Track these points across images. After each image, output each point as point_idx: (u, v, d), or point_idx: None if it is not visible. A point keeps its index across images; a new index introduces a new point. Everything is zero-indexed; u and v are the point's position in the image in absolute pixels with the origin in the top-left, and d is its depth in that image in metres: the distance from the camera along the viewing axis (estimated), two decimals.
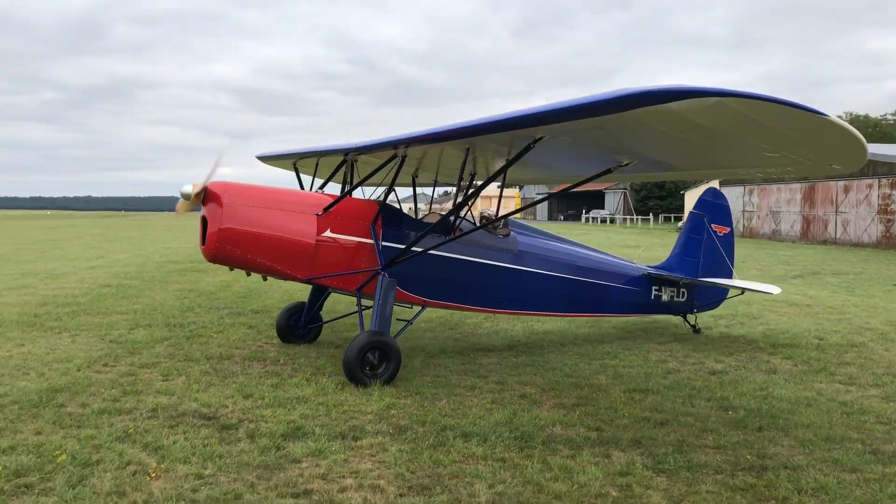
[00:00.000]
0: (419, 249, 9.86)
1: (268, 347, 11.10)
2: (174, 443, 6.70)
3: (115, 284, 18.61)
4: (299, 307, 11.64)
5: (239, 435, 7.02)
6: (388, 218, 10.25)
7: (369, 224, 10.00)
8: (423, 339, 11.96)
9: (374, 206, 10.28)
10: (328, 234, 9.81)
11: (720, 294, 13.32)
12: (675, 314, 13.12)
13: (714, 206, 13.40)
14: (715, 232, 13.19)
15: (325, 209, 9.86)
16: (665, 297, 12.60)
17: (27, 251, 31.14)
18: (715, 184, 51.17)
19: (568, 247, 12.01)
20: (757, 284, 13.11)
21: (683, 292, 12.75)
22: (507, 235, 11.15)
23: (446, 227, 10.38)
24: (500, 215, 10.76)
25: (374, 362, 9.04)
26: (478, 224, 11.03)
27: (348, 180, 11.11)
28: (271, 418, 7.50)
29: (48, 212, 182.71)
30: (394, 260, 9.74)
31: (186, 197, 9.39)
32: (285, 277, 9.94)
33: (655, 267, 13.09)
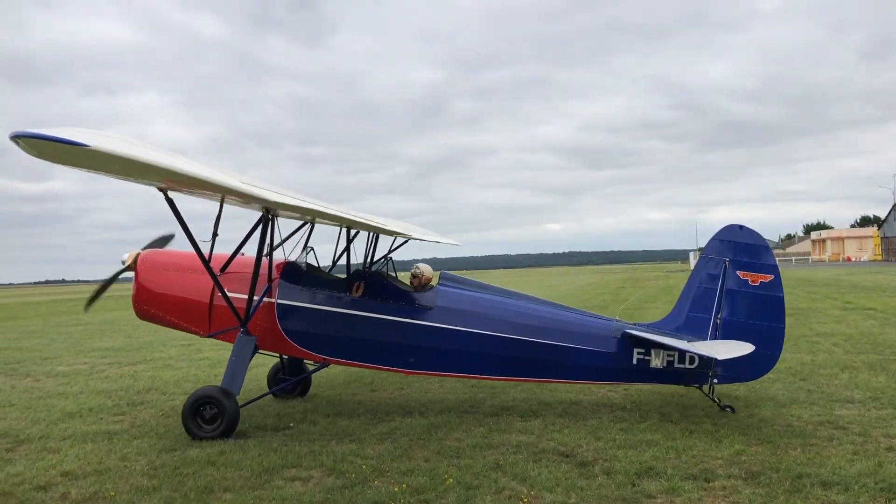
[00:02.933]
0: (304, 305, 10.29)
1: (613, 395, 11.64)
2: (539, 474, 7.51)
3: None
4: (281, 364, 12.19)
5: (595, 471, 7.63)
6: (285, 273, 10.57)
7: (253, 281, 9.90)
8: (773, 389, 11.62)
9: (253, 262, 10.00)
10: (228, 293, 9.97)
11: (762, 361, 10.00)
12: (681, 384, 10.48)
13: (741, 248, 10.31)
14: (745, 281, 10.23)
15: (222, 269, 10.18)
16: (657, 363, 10.03)
17: None
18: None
19: (512, 301, 10.72)
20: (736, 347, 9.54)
21: (693, 358, 9.92)
22: (427, 289, 10.61)
23: (348, 284, 10.58)
24: None
25: (207, 417, 9.22)
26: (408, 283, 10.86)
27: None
28: (623, 458, 8.01)
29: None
30: (247, 316, 9.84)
31: (123, 263, 10.85)
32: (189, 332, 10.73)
33: (644, 325, 10.79)
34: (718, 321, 10.15)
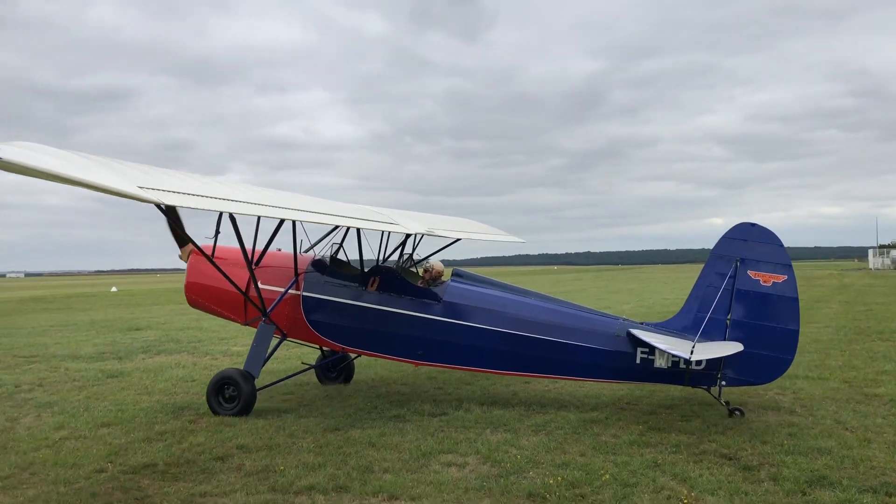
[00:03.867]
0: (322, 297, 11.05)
1: (780, 398, 11.02)
2: (700, 476, 7.24)
3: None
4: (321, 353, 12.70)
5: (761, 476, 7.26)
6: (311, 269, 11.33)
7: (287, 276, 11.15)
8: None
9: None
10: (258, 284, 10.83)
11: (774, 365, 9.63)
12: (688, 386, 10.08)
13: (754, 247, 9.78)
14: (756, 281, 9.65)
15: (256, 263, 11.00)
16: (661, 363, 9.79)
17: None
18: None
19: (519, 298, 10.86)
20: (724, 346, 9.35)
21: (700, 359, 9.21)
22: (437, 284, 11.02)
23: (364, 278, 11.12)
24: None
25: (227, 396, 10.22)
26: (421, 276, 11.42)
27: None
28: (792, 464, 7.57)
29: (555, 267, 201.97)
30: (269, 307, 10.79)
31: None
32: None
33: (652, 325, 10.41)
34: (728, 322, 9.77)
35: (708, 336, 9.68)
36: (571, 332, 10.27)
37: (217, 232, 10.54)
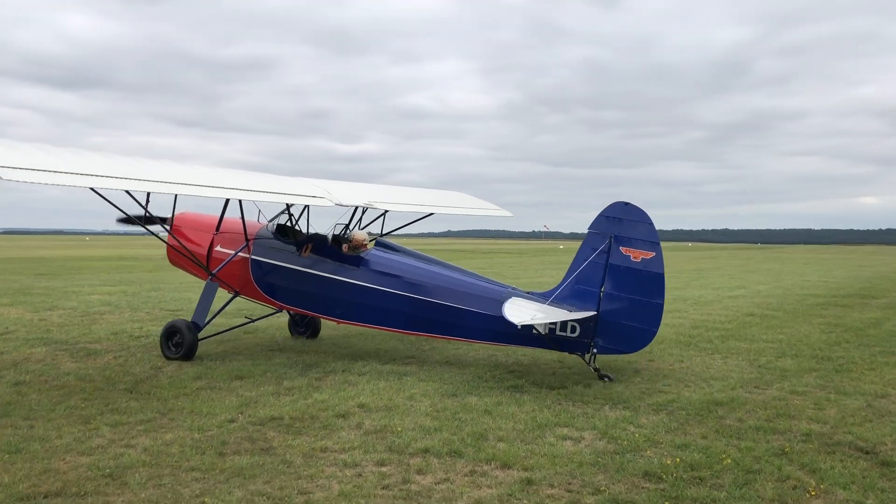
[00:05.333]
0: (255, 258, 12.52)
1: None
2: (831, 468, 6.84)
3: (757, 314, 19.28)
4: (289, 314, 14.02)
5: None
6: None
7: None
8: None
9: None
10: (217, 248, 12.76)
11: (640, 336, 10.26)
12: (564, 351, 10.84)
13: (626, 224, 10.33)
14: (627, 257, 10.18)
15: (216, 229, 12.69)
16: (540, 329, 10.38)
17: (675, 279, 34.19)
18: None
19: (427, 267, 11.86)
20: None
21: (574, 326, 10.30)
22: (359, 252, 12.07)
23: (299, 246, 12.31)
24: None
25: (174, 343, 11.63)
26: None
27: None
28: None
29: (689, 244, 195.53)
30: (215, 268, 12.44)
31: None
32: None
33: (538, 294, 10.96)
34: (602, 294, 10.29)
35: (584, 307, 10.34)
36: (463, 297, 11.11)
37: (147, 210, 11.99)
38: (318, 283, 12.08)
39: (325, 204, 11.55)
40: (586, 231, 10.60)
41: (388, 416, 8.39)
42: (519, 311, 10.06)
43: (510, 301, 10.57)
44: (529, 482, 6.42)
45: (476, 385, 10.10)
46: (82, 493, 5.97)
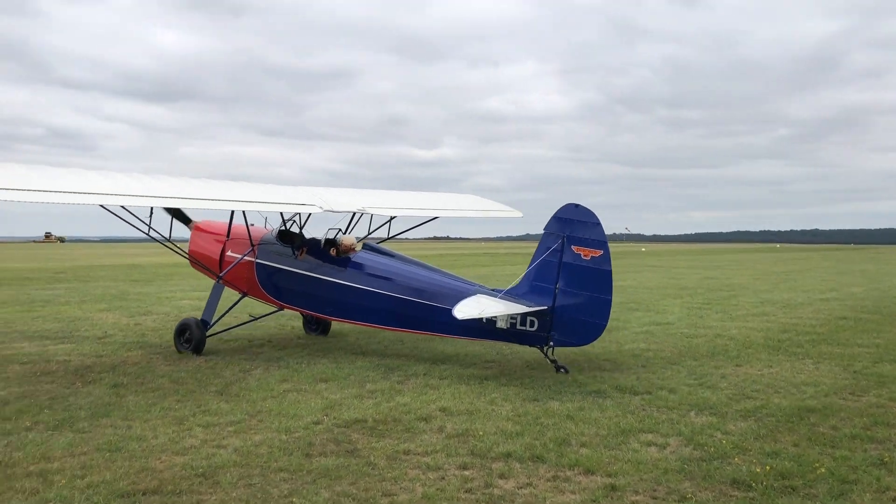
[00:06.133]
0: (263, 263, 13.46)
1: None
2: None
3: (851, 317, 18.53)
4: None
5: None
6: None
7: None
8: None
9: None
10: (228, 253, 13.90)
11: (591, 329, 10.86)
12: (525, 345, 11.43)
13: (577, 225, 10.94)
14: (578, 255, 10.77)
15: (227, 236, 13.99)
16: (502, 324, 11.13)
17: (762, 282, 33.15)
18: None
19: (407, 268, 12.63)
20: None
21: (532, 321, 10.98)
22: (347, 255, 12.84)
23: (294, 249, 13.22)
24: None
25: (185, 338, 12.75)
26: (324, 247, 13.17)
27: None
28: None
29: (777, 245, 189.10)
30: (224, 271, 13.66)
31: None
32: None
33: (501, 291, 11.50)
34: (557, 290, 10.81)
35: (541, 303, 10.88)
36: (436, 296, 11.79)
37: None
38: (310, 283, 13.05)
39: (315, 211, 12.35)
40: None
41: (469, 419, 8.43)
42: (467, 308, 10.77)
43: (471, 298, 11.21)
44: (613, 488, 6.34)
45: (557, 390, 10.04)
46: (177, 491, 6.21)
